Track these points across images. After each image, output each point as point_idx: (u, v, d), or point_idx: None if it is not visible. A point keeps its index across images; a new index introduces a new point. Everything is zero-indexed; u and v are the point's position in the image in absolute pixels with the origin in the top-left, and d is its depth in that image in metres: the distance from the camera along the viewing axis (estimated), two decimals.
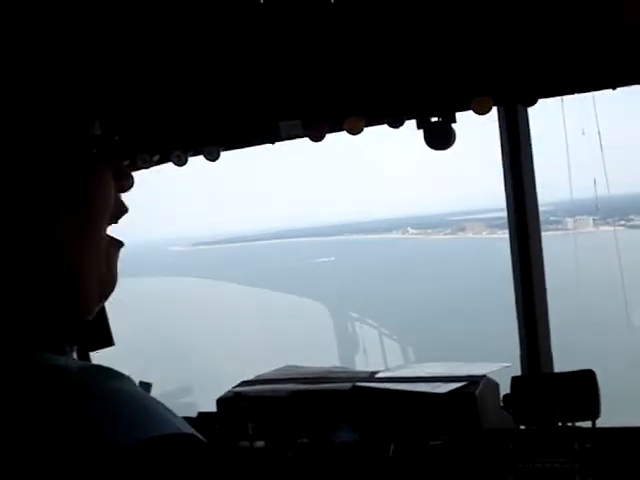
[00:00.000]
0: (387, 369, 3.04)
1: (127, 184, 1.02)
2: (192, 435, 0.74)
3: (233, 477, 0.77)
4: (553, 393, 2.69)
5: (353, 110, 2.35)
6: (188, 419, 3.00)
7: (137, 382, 2.43)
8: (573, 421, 2.68)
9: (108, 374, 0.79)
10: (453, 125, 2.51)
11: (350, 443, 2.70)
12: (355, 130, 2.35)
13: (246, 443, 2.82)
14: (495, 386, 2.87)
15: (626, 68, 2.19)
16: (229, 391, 2.94)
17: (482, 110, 2.31)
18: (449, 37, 2.20)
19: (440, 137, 2.56)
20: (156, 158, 2.58)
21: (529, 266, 2.94)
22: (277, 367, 3.23)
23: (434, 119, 2.48)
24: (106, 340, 2.68)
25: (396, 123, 2.35)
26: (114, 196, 0.97)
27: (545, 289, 3.02)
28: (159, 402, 0.78)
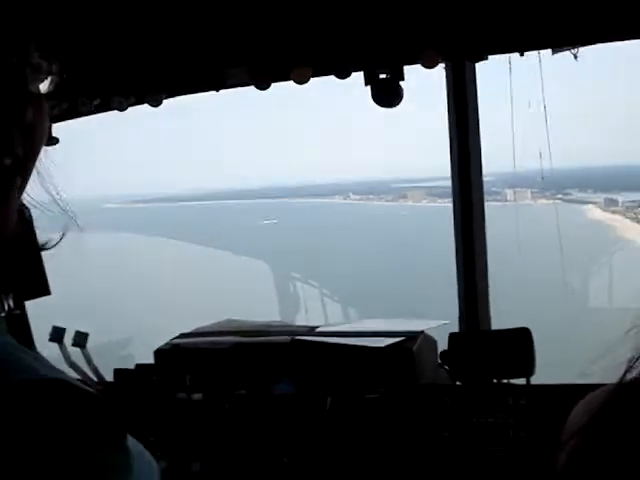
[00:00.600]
0: (327, 324, 3.04)
1: None
2: (55, 380, 0.72)
3: (93, 419, 0.72)
4: (489, 350, 2.74)
5: (300, 60, 2.32)
6: (125, 371, 2.98)
7: (73, 331, 2.37)
8: (508, 378, 2.73)
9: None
10: (401, 83, 2.50)
11: (288, 396, 2.70)
12: (302, 79, 2.32)
13: (183, 395, 2.80)
14: (433, 343, 2.92)
15: (574, 28, 2.21)
16: (167, 343, 2.92)
17: (430, 63, 2.30)
18: None
19: (388, 94, 2.55)
20: (97, 102, 2.51)
21: (471, 228, 2.97)
22: (216, 321, 3.21)
23: (382, 76, 2.46)
24: (42, 289, 2.62)
25: (342, 74, 2.33)
26: None
27: (485, 251, 3.06)
28: (28, 353, 0.77)
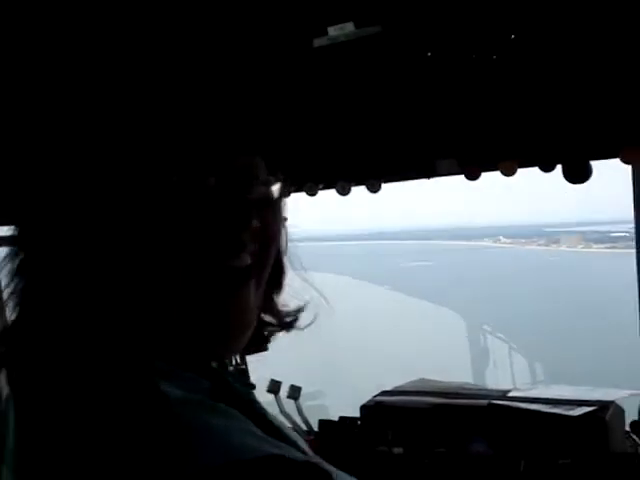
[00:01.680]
0: (517, 388, 3.24)
1: None
2: (272, 456, 0.74)
3: None
4: None
5: (508, 153, 2.57)
6: (329, 422, 3.29)
7: (288, 386, 2.70)
8: None
9: (208, 408, 0.81)
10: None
11: (484, 456, 2.92)
12: (509, 172, 2.57)
13: (385, 448, 3.09)
14: (622, 412, 3.03)
15: None
16: (371, 400, 3.22)
17: (629, 158, 2.48)
18: (608, 87, 2.38)
19: (579, 174, 2.72)
20: (321, 186, 2.87)
21: None
22: (412, 379, 3.49)
23: None
24: (263, 346, 2.94)
25: (548, 168, 2.55)
26: None
27: None
28: (253, 433, 0.80)
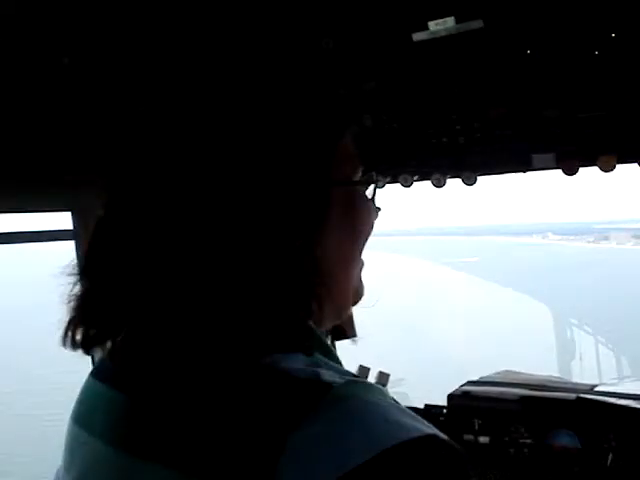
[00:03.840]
0: (604, 383, 3.25)
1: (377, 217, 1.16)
2: (433, 436, 0.83)
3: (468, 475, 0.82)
4: None
5: (607, 148, 2.58)
6: (414, 409, 3.36)
7: (377, 372, 2.78)
8: None
9: (366, 388, 0.88)
10: None
11: (571, 449, 2.95)
12: (607, 168, 2.58)
13: (471, 437, 3.14)
14: None
15: None
16: (458, 389, 3.27)
17: None
18: None
19: None
20: (416, 178, 2.93)
21: None
22: (497, 371, 3.53)
23: None
24: (351, 332, 3.02)
25: None
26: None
27: None
28: (400, 408, 0.87)
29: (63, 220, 2.68)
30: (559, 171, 2.73)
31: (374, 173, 1.11)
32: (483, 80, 2.67)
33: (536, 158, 2.75)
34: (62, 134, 2.45)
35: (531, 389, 3.15)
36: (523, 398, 3.08)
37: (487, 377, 3.42)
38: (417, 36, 2.66)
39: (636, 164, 2.61)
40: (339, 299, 1.06)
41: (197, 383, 0.89)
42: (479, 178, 2.86)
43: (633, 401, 2.94)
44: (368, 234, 1.09)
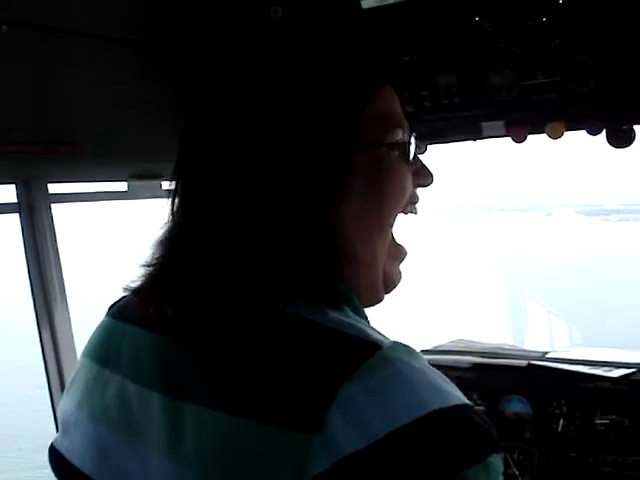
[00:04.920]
0: (555, 350, 3.29)
1: (427, 182, 1.16)
2: (469, 405, 0.88)
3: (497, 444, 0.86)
4: None
5: (554, 116, 2.58)
6: None
7: None
8: None
9: (410, 352, 0.90)
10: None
11: (522, 414, 2.99)
12: (556, 135, 2.58)
13: None
14: None
15: None
16: None
17: None
18: None
19: (623, 139, 2.71)
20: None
21: None
22: (451, 340, 3.56)
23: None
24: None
25: (594, 132, 2.57)
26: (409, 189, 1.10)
27: None
28: (440, 375, 0.90)
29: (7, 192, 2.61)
30: (511, 150, 2.72)
31: (407, 134, 1.09)
32: (432, 48, 2.65)
33: (485, 126, 2.74)
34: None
35: (483, 356, 3.18)
36: (475, 365, 3.10)
37: (441, 346, 3.45)
38: (366, 3, 2.63)
39: (584, 131, 2.62)
40: (365, 274, 1.06)
41: (242, 330, 0.91)
42: (429, 147, 2.85)
43: (583, 366, 2.98)
44: (399, 201, 1.08)
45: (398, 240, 1.14)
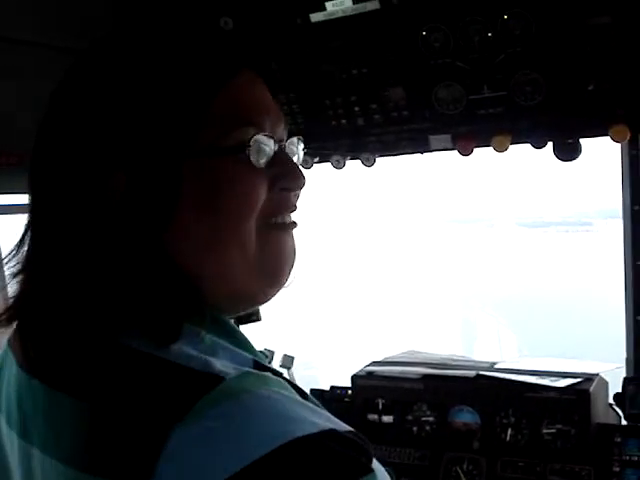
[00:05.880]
0: (504, 361, 3.32)
1: (296, 185, 1.00)
2: (328, 432, 0.77)
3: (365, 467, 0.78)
4: None
5: (500, 130, 2.62)
6: (321, 391, 3.37)
7: (281, 355, 2.75)
8: None
9: (260, 380, 0.82)
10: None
11: (471, 425, 3.01)
12: (501, 148, 2.62)
13: (375, 417, 3.17)
14: (605, 384, 3.12)
15: None
16: (362, 370, 3.29)
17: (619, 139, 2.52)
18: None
19: (569, 152, 2.75)
20: (316, 160, 2.93)
21: None
22: (401, 351, 3.57)
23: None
24: (255, 316, 2.98)
25: (539, 145, 2.61)
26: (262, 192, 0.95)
27: None
28: (298, 401, 0.83)
29: None
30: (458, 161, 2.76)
31: (262, 134, 0.95)
32: (380, 61, 2.66)
33: (433, 139, 2.77)
34: None
35: (433, 367, 3.20)
36: (425, 376, 3.12)
37: (391, 357, 3.46)
38: (315, 17, 2.64)
39: (528, 144, 2.66)
40: (222, 286, 0.95)
41: (81, 370, 0.84)
42: (378, 160, 2.87)
43: (530, 376, 3.02)
44: (246, 213, 0.92)
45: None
